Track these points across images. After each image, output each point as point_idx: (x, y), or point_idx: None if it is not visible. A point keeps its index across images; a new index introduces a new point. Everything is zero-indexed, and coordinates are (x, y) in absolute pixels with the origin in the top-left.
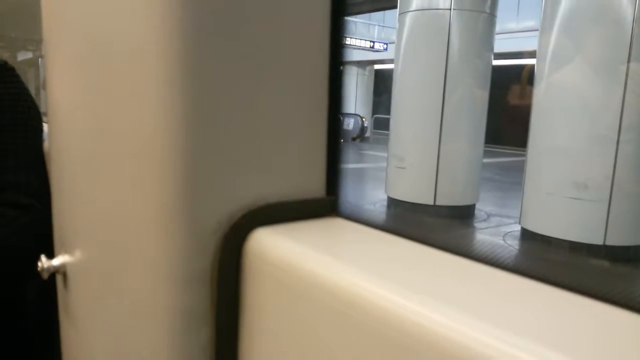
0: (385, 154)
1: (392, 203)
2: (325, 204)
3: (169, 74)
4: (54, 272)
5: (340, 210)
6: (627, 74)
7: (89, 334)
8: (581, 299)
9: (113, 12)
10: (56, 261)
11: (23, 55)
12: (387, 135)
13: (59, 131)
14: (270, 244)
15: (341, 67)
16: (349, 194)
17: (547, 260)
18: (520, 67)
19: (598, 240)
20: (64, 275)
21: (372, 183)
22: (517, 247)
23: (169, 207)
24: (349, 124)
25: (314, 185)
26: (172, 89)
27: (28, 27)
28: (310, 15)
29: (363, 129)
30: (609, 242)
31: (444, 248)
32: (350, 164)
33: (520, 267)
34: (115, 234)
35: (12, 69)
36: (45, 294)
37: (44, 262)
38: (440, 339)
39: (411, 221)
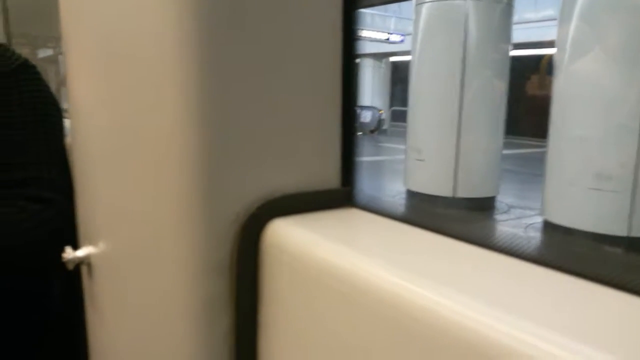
0: (403, 147)
1: (411, 195)
2: (341, 195)
3: (186, 71)
4: (78, 264)
5: (356, 200)
6: None
7: (114, 322)
8: (598, 287)
9: (131, 10)
10: (81, 252)
11: (43, 53)
12: (405, 127)
13: (80, 127)
14: (287, 234)
15: (355, 60)
16: (368, 186)
17: (567, 250)
18: (539, 57)
19: (622, 232)
20: (89, 266)
21: (391, 176)
22: (537, 238)
23: (188, 199)
24: (366, 116)
25: (329, 176)
26: (189, 85)
27: (48, 24)
28: (323, 8)
29: (380, 122)
30: (633, 234)
31: (462, 238)
32: (368, 157)
33: (538, 257)
34: (137, 226)
35: (33, 67)
36: (71, 289)
37: (69, 253)
38: (455, 326)
39: (428, 212)
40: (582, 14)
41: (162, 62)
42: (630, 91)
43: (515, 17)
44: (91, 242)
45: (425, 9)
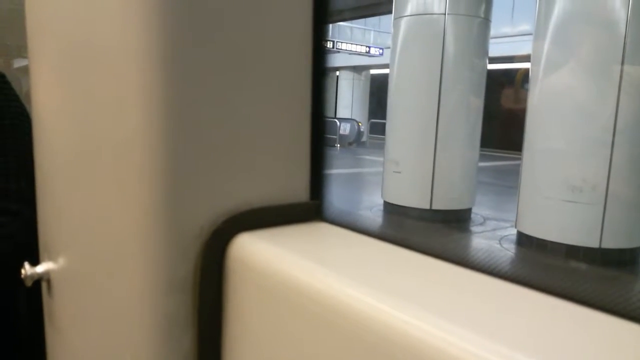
0: (381, 159)
1: (389, 207)
2: (309, 208)
3: (149, 80)
4: (38, 280)
5: (325, 214)
6: (621, 76)
7: (73, 341)
8: (565, 303)
9: (94, 18)
10: (40, 268)
11: (19, 63)
12: (384, 139)
13: (42, 137)
14: (252, 249)
15: (325, 72)
16: (346, 198)
17: (539, 265)
18: (515, 71)
19: (594, 244)
20: (48, 282)
21: (369, 188)
22: (512, 251)
23: (149, 213)
24: (346, 128)
25: (298, 190)
26: (152, 93)
27: (23, 34)
28: (293, 21)
29: (359, 134)
30: (604, 245)
31: (433, 254)
32: (346, 169)
33: (511, 274)
34: (98, 240)
35: (2, 76)
36: (38, 305)
37: (27, 269)
38: (422, 345)
39: (400, 226)
40: (556, 29)
41: (126, 72)
42: (603, 105)
43: (492, 32)
44: (51, 258)
45: (403, 22)
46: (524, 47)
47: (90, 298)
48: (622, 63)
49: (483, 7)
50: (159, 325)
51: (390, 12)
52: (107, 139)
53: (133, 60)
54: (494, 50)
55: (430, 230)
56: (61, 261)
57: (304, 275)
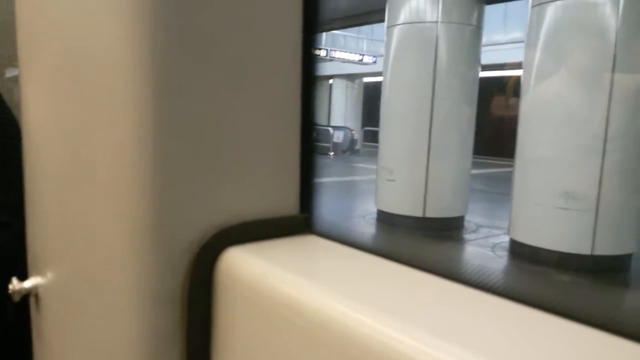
0: (375, 167)
1: (382, 215)
2: (299, 222)
3: (138, 92)
4: (26, 295)
5: (315, 227)
6: (611, 84)
7: (61, 355)
8: (554, 318)
9: (85, 30)
10: (28, 283)
11: (11, 72)
12: (377, 147)
13: (32, 148)
14: (242, 264)
15: (315, 82)
16: (339, 206)
17: (530, 275)
18: (507, 78)
19: (586, 251)
20: (36, 297)
21: (362, 196)
22: (505, 258)
23: (138, 226)
24: (339, 136)
25: (287, 202)
26: (141, 106)
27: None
28: (283, 31)
29: (353, 142)
30: (596, 252)
31: (424, 268)
32: (340, 177)
33: (501, 289)
34: (86, 254)
35: None
36: (25, 319)
37: (15, 284)
38: None
39: (391, 237)
40: (548, 38)
41: (115, 85)
42: (594, 112)
43: (484, 40)
44: (39, 272)
45: (396, 31)
46: (515, 54)
47: (78, 312)
48: (613, 71)
49: (475, 15)
50: (146, 339)
51: (382, 20)
52: (96, 151)
53: (122, 72)
54: (486, 57)
55: (423, 240)
56: (49, 275)
57: (293, 290)
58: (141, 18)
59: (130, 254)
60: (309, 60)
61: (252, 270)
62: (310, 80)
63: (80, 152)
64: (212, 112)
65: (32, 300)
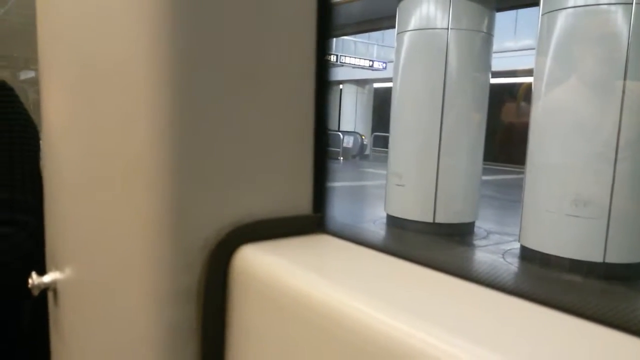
0: (385, 172)
1: (392, 221)
2: (312, 221)
3: (158, 95)
4: (44, 289)
5: (328, 227)
6: (623, 92)
7: (79, 350)
8: (564, 316)
9: (105, 33)
10: (47, 278)
11: (25, 74)
12: (387, 152)
13: (52, 149)
14: (256, 261)
15: (328, 86)
16: (349, 211)
17: (541, 280)
18: (518, 85)
19: (598, 258)
20: (55, 292)
21: (372, 201)
22: (515, 265)
23: (155, 224)
24: (349, 141)
25: (301, 202)
26: (159, 108)
27: (30, 46)
28: (297, 35)
29: (363, 147)
30: (608, 260)
31: (433, 266)
32: (350, 182)
33: (512, 287)
34: (104, 251)
35: (11, 89)
36: (41, 316)
37: (34, 278)
38: (423, 357)
39: (402, 239)
40: (559, 45)
41: (135, 87)
42: (605, 120)
43: (495, 46)
44: (58, 268)
45: (406, 37)
46: (526, 61)
47: (95, 308)
48: (625, 79)
49: (486, 21)
50: (163, 335)
51: (393, 26)
52: (115, 151)
53: (142, 75)
54: (497, 64)
55: (433, 244)
56: (67, 271)
57: (307, 287)
58: (162, 23)
59: (148, 251)
60: (323, 66)
61: (265, 267)
62: (323, 85)
63: (98, 152)
64: (227, 115)
65: (50, 295)
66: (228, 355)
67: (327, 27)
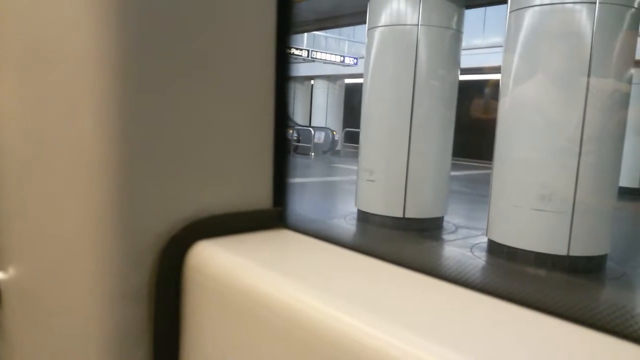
0: (356, 167)
1: (362, 216)
2: (272, 215)
3: (104, 83)
4: None
5: (288, 221)
6: (587, 88)
7: (24, 353)
8: (528, 312)
9: (49, 18)
10: None
11: None
12: (358, 148)
13: None
14: (212, 258)
15: (288, 81)
16: (319, 207)
17: (507, 274)
18: (486, 82)
19: (562, 251)
20: None
21: (343, 196)
22: (483, 258)
23: (103, 219)
24: (320, 137)
25: (260, 196)
26: (105, 99)
27: None
28: (255, 29)
29: (334, 143)
30: (572, 253)
31: (398, 262)
32: (321, 177)
33: (471, 282)
34: (50, 248)
35: None
36: None
37: None
38: (382, 356)
39: (366, 233)
40: (525, 42)
41: (79, 75)
42: (570, 115)
43: (464, 44)
44: (1, 267)
45: (377, 33)
46: (494, 58)
47: (41, 308)
48: (589, 75)
49: (455, 19)
50: (111, 337)
51: (364, 22)
52: (60, 143)
53: (86, 62)
54: (466, 61)
55: (401, 239)
56: (11, 270)
57: (264, 284)
58: (106, 10)
59: (94, 248)
60: (283, 60)
61: (222, 263)
62: (284, 79)
63: (43, 146)
64: (181, 104)
65: None
66: (182, 356)
67: (287, 20)
